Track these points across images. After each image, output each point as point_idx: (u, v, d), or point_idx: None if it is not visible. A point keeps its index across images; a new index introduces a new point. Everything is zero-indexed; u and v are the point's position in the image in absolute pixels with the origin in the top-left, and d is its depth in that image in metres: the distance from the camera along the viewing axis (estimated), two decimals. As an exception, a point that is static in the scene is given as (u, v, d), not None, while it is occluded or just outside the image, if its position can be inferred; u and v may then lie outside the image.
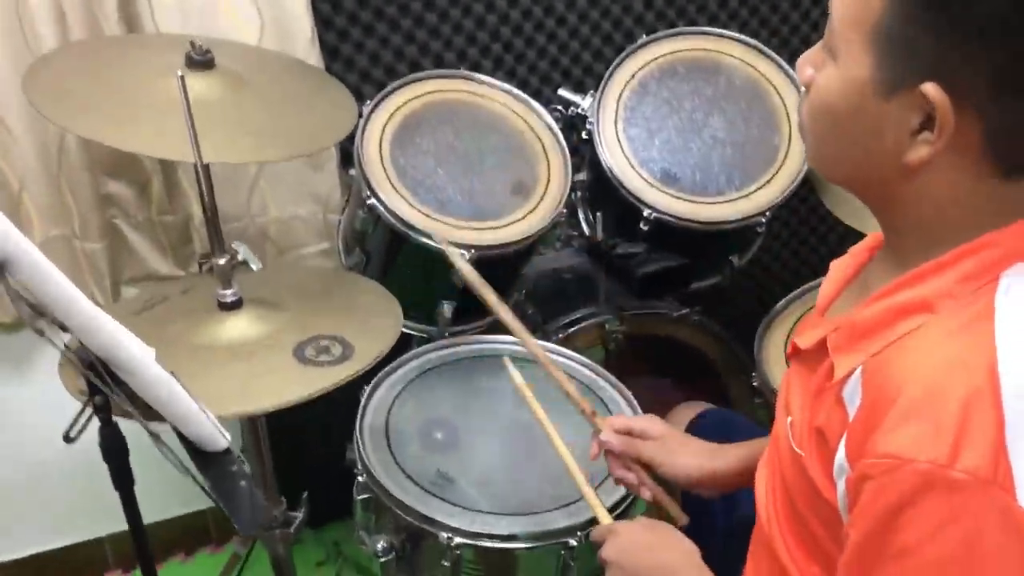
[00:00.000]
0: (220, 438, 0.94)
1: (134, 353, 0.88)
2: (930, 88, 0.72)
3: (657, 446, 1.21)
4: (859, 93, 0.78)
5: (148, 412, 0.93)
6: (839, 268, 1.00)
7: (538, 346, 1.31)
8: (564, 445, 1.22)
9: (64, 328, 0.85)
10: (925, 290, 0.79)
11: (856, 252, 0.99)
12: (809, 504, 0.88)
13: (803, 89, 0.86)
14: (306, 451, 1.84)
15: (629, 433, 1.23)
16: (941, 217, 0.80)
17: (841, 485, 0.80)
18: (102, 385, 0.87)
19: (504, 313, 1.30)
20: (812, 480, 0.86)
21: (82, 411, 0.95)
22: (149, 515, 1.08)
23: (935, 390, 0.72)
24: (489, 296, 1.29)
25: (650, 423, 1.24)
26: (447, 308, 1.64)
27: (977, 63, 0.70)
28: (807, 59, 0.85)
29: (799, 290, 1.73)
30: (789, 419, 0.93)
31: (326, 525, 2.09)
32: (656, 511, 1.24)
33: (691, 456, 1.20)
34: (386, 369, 1.54)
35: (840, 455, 0.80)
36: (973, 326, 0.75)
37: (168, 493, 1.75)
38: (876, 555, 0.74)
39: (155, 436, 0.85)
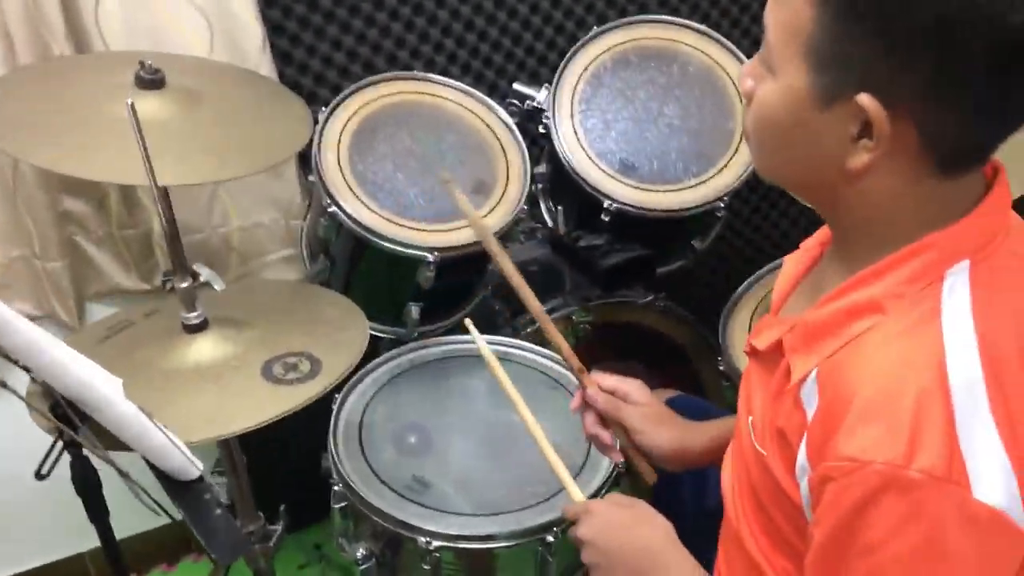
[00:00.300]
0: (192, 468, 0.94)
1: (101, 392, 0.88)
2: (864, 99, 0.74)
3: (638, 412, 1.23)
4: (798, 105, 0.79)
5: (118, 443, 0.93)
6: (791, 264, 1.02)
7: (540, 307, 1.31)
8: (535, 421, 1.22)
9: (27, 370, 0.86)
10: (874, 291, 0.81)
11: (808, 247, 1.01)
12: (774, 500, 0.90)
13: (744, 101, 0.88)
14: (281, 457, 1.85)
15: (614, 393, 1.25)
16: (886, 217, 0.82)
17: (804, 485, 0.82)
18: (68, 426, 0.87)
19: (514, 273, 1.29)
20: (776, 478, 0.88)
21: (52, 447, 0.95)
22: (131, 527, 1.08)
23: (888, 391, 0.74)
24: (503, 261, 1.30)
25: (637, 389, 1.25)
26: (414, 310, 1.64)
27: (905, 74, 0.72)
28: (747, 72, 0.86)
29: (757, 274, 1.75)
30: (751, 418, 0.95)
31: (306, 528, 2.10)
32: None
33: (667, 429, 1.22)
34: (357, 375, 1.55)
35: (801, 456, 0.82)
36: (921, 326, 0.77)
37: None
38: (841, 554, 0.77)
39: (125, 475, 0.86)
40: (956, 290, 0.78)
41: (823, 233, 0.99)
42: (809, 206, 0.93)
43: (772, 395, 0.90)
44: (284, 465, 1.80)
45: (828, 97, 0.77)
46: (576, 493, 1.18)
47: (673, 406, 1.48)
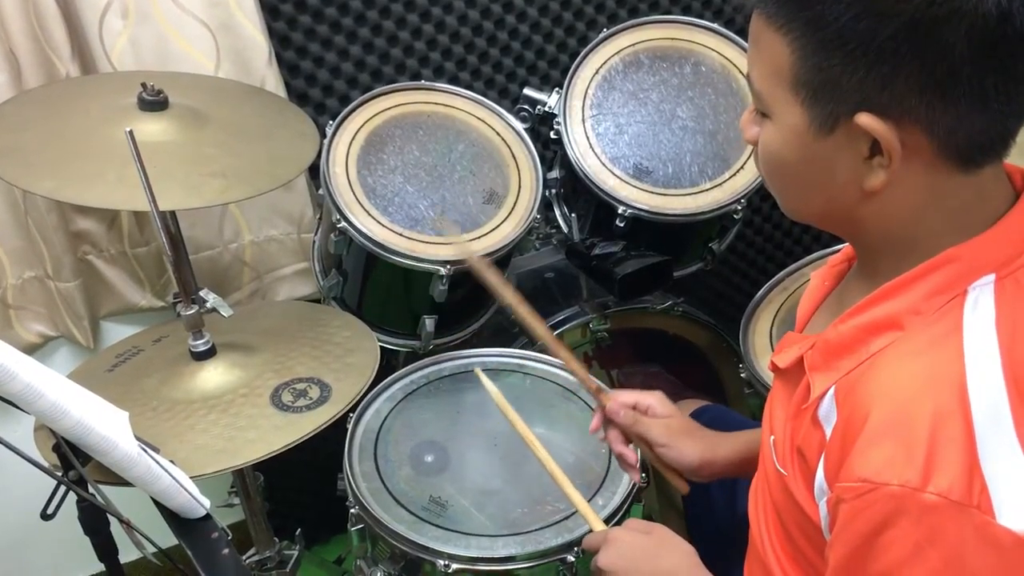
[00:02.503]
0: (198, 507, 0.92)
1: (102, 434, 0.86)
2: (864, 119, 0.73)
3: (661, 426, 1.21)
4: (800, 140, 0.78)
5: (123, 479, 0.92)
6: (817, 280, 1.00)
7: (549, 332, 1.29)
8: (550, 456, 1.21)
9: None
10: (893, 307, 0.79)
11: (835, 261, 0.99)
12: (797, 524, 0.88)
13: (752, 148, 0.87)
14: (297, 475, 1.84)
15: (635, 408, 1.23)
16: (909, 228, 0.80)
17: (823, 506, 0.80)
18: (70, 467, 0.85)
19: (516, 302, 1.29)
20: (797, 500, 0.86)
21: (57, 487, 0.94)
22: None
23: (903, 410, 0.72)
24: (503, 291, 1.29)
25: (657, 401, 1.23)
26: (428, 322, 1.62)
27: (896, 84, 0.71)
28: (746, 121, 0.86)
29: (776, 277, 1.71)
30: (772, 438, 0.93)
31: (326, 542, 2.10)
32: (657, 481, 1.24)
33: (692, 441, 1.20)
34: (371, 393, 1.53)
35: (819, 476, 0.80)
36: (941, 343, 0.75)
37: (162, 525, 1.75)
38: None
39: (126, 523, 0.84)
40: (979, 305, 0.76)
41: (850, 248, 0.96)
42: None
43: (792, 414, 0.88)
44: (300, 484, 1.80)
45: (828, 126, 0.76)
46: (597, 524, 1.16)
47: (700, 417, 1.47)
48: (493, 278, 1.29)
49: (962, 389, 0.71)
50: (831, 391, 0.81)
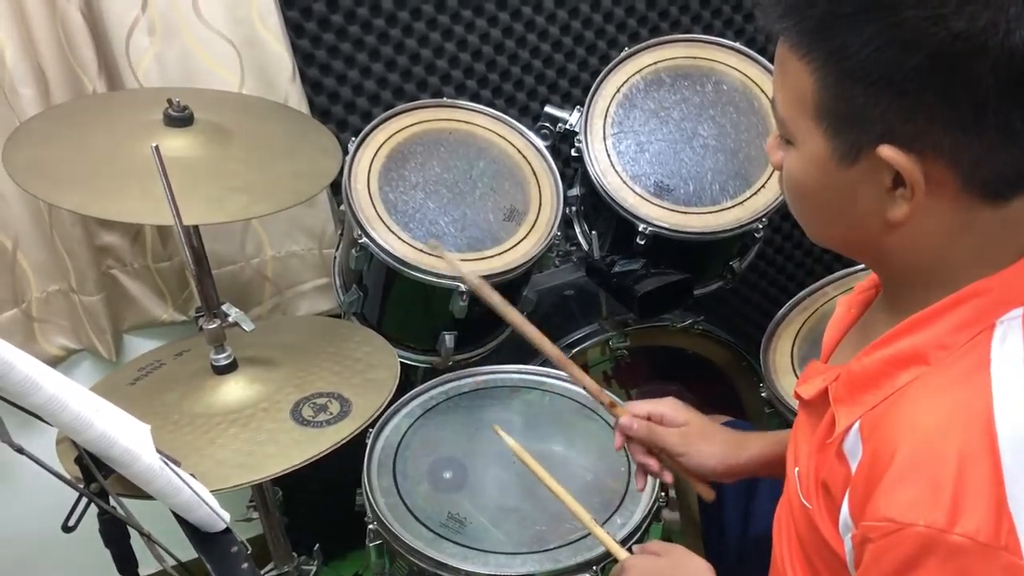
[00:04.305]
0: (218, 520, 0.93)
1: (124, 446, 0.87)
2: (886, 151, 0.71)
3: (678, 434, 1.20)
4: (823, 169, 0.77)
5: (144, 492, 0.92)
6: (843, 308, 0.98)
7: (557, 350, 1.29)
8: (568, 493, 1.20)
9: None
10: (918, 340, 0.78)
11: (861, 287, 0.97)
12: (820, 556, 0.87)
13: (777, 172, 0.87)
14: (315, 490, 1.84)
15: (649, 418, 1.22)
16: (935, 260, 0.78)
17: (848, 541, 0.79)
18: (92, 479, 0.86)
19: (522, 322, 1.29)
20: (821, 533, 0.85)
21: (79, 499, 0.94)
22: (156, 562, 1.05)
23: (929, 448, 0.71)
24: (507, 311, 1.28)
25: (672, 409, 1.22)
26: (448, 339, 1.63)
27: (919, 115, 0.70)
28: (772, 146, 0.85)
29: (797, 296, 1.71)
30: (797, 470, 0.92)
31: (344, 556, 2.09)
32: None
33: (710, 445, 1.19)
34: (391, 409, 1.53)
35: (844, 511, 0.79)
36: (968, 378, 0.73)
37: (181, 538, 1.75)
38: None
39: (147, 536, 0.84)
40: (1008, 339, 0.74)
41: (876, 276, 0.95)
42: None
43: (816, 446, 0.87)
44: (318, 498, 1.79)
45: (851, 156, 0.75)
46: (620, 552, 1.15)
47: None
48: (496, 298, 1.28)
49: (989, 427, 0.70)
50: (856, 425, 0.80)
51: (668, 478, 1.23)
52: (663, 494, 1.33)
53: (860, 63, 0.70)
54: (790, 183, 0.83)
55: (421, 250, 1.53)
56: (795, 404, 1.50)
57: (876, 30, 0.69)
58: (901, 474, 0.71)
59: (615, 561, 1.17)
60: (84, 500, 0.92)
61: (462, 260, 1.54)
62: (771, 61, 1.71)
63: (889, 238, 0.78)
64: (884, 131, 0.71)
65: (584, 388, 1.28)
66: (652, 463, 1.22)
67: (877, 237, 0.79)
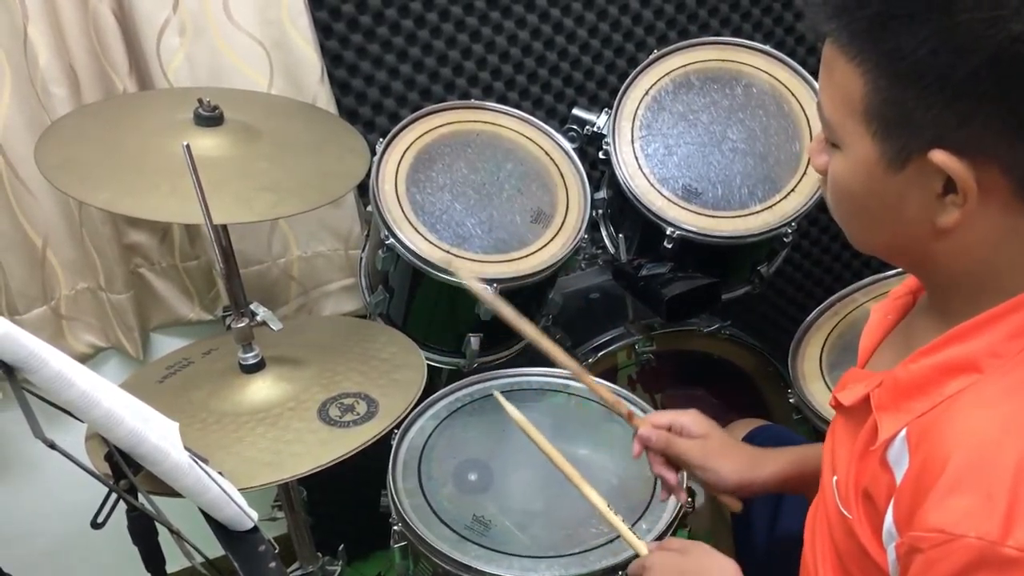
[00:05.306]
0: (246, 519, 0.93)
1: (154, 443, 0.87)
2: (938, 155, 0.70)
3: (696, 446, 1.19)
4: (870, 174, 0.76)
5: (172, 490, 0.92)
6: (879, 314, 0.97)
7: (573, 362, 1.28)
8: (588, 484, 1.18)
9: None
10: (970, 348, 0.76)
11: (897, 294, 0.96)
12: (858, 565, 0.86)
13: (821, 177, 0.85)
14: (340, 490, 1.84)
15: (670, 429, 1.21)
16: (985, 269, 0.77)
17: (891, 551, 0.77)
18: (121, 476, 0.86)
19: (536, 335, 1.26)
20: (861, 543, 0.83)
21: (108, 496, 0.95)
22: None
23: (984, 458, 0.70)
24: (520, 324, 1.26)
25: (692, 420, 1.21)
26: (474, 340, 1.62)
27: (974, 120, 0.68)
28: (815, 149, 0.84)
29: (827, 301, 1.69)
30: (835, 478, 0.90)
31: (367, 557, 2.09)
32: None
33: (729, 461, 1.18)
34: (416, 410, 1.53)
35: (888, 520, 0.78)
36: (1022, 387, 0.72)
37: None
38: None
39: (176, 533, 0.84)
40: None
41: (913, 280, 0.93)
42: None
43: (858, 454, 0.85)
44: (343, 499, 1.79)
45: (900, 161, 0.73)
46: (643, 549, 1.14)
47: (758, 437, 1.44)
48: (509, 312, 1.27)
49: None
50: (902, 433, 0.78)
51: (683, 496, 1.23)
52: (689, 499, 1.32)
53: (913, 66, 0.68)
54: (835, 188, 0.81)
55: (447, 251, 1.53)
56: (823, 410, 1.50)
57: (930, 32, 0.67)
58: (953, 484, 0.70)
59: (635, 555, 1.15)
60: (113, 496, 0.92)
61: (488, 262, 1.54)
62: (800, 64, 1.71)
63: (937, 245, 0.77)
64: (936, 136, 0.70)
65: (601, 400, 1.27)
66: (670, 477, 1.21)
67: (924, 244, 0.78)
